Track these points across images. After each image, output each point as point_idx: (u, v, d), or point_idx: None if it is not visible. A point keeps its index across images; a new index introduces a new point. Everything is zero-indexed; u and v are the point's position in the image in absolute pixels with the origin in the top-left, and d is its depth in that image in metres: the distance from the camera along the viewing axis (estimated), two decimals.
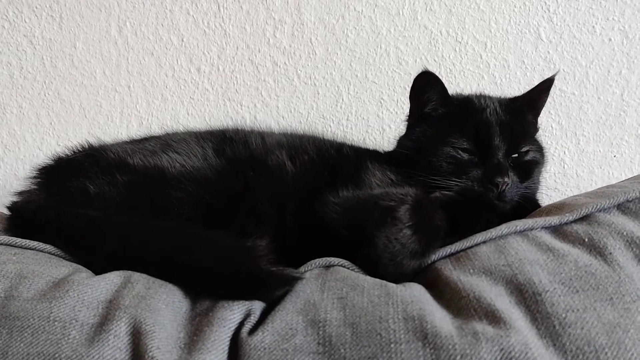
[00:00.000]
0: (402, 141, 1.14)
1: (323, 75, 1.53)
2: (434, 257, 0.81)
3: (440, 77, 1.06)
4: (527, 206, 1.01)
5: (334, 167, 1.06)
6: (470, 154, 1.02)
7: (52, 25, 1.56)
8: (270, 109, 1.55)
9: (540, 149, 1.09)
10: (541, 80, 1.11)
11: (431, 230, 0.82)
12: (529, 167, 1.06)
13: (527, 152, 1.06)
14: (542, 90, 1.12)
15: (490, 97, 1.12)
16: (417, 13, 1.49)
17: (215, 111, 1.56)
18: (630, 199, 0.80)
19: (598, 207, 0.80)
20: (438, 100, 1.08)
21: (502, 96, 1.15)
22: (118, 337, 0.64)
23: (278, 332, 0.66)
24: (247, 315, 0.70)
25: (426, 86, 1.08)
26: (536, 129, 1.14)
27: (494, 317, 0.63)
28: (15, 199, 0.97)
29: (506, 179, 0.98)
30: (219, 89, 1.56)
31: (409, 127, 1.14)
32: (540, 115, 1.16)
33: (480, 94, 1.14)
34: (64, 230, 0.85)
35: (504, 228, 0.81)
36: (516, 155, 1.04)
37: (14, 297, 0.69)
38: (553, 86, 1.12)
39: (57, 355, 0.62)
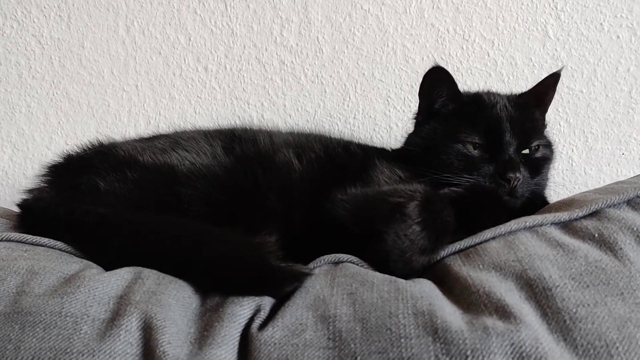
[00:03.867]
0: (411, 138, 1.14)
1: (330, 74, 1.53)
2: (443, 253, 0.81)
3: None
4: (537, 202, 1.01)
5: (342, 165, 1.07)
6: (481, 150, 1.02)
7: (60, 25, 1.57)
8: (277, 108, 1.55)
9: (549, 145, 1.09)
10: (546, 76, 1.11)
11: (440, 226, 0.82)
12: (539, 163, 1.06)
13: (537, 147, 1.06)
14: (548, 85, 1.11)
15: (498, 94, 1.12)
16: (424, 11, 1.49)
17: (223, 110, 1.57)
18: None
19: (608, 202, 0.80)
20: (448, 96, 1.08)
21: (509, 92, 1.15)
22: (129, 332, 0.64)
23: (288, 328, 0.66)
24: (257, 311, 0.70)
25: (437, 82, 1.08)
26: (544, 125, 1.14)
27: (504, 312, 0.63)
28: (25, 196, 0.98)
29: (518, 175, 0.98)
30: (226, 88, 1.56)
31: (417, 125, 1.14)
32: (548, 112, 1.16)
33: (488, 91, 1.14)
34: (74, 227, 0.85)
35: (513, 224, 0.81)
36: (527, 151, 1.04)
37: (25, 293, 0.69)
38: (561, 84, 1.11)
39: (68, 350, 0.62)
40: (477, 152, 1.02)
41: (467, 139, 1.03)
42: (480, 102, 1.09)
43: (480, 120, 1.04)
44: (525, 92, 1.12)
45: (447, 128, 1.07)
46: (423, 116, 1.13)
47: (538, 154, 1.06)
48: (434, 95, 1.09)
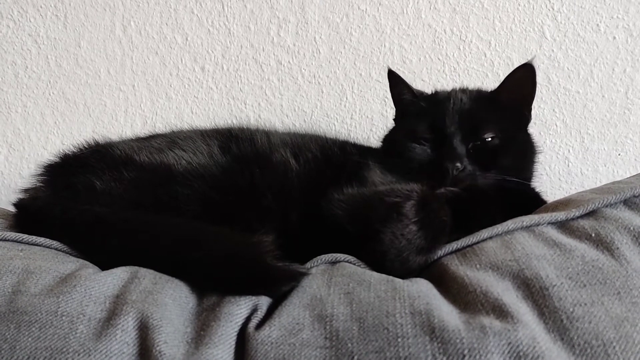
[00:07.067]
0: (384, 138, 1.18)
1: (327, 74, 1.53)
2: (440, 252, 0.81)
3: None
4: (533, 201, 1.01)
5: (338, 165, 1.07)
6: (429, 144, 1.05)
7: (56, 25, 1.57)
8: (274, 108, 1.55)
9: (515, 137, 1.07)
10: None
11: (437, 226, 0.82)
12: (493, 154, 1.03)
13: (492, 138, 1.03)
14: (519, 78, 1.07)
15: (463, 90, 1.13)
16: (421, 12, 1.49)
17: (220, 110, 1.57)
18: (637, 194, 0.80)
19: (604, 202, 0.80)
20: (407, 97, 1.13)
21: (478, 88, 1.17)
22: (125, 331, 0.64)
23: (285, 327, 0.66)
24: (254, 310, 0.70)
25: (392, 84, 1.16)
26: (523, 119, 1.12)
27: (501, 312, 0.63)
28: (21, 196, 0.97)
29: (457, 164, 0.98)
30: (223, 88, 1.56)
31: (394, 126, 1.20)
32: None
33: (453, 88, 1.16)
34: (70, 226, 0.85)
35: (510, 224, 0.81)
36: (478, 142, 1.03)
37: (21, 292, 0.69)
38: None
39: (64, 349, 0.62)
40: (427, 146, 1.05)
41: (418, 134, 1.06)
42: (435, 99, 1.12)
43: (429, 115, 1.07)
44: (497, 87, 1.10)
45: (405, 126, 1.12)
46: (396, 117, 1.19)
47: (492, 145, 1.03)
48: (395, 97, 1.17)
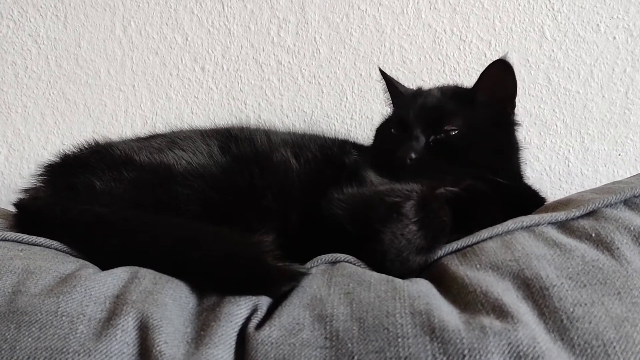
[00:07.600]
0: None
1: (327, 74, 1.54)
2: (440, 252, 0.81)
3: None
4: (531, 201, 1.01)
5: (338, 165, 1.07)
6: (395, 136, 1.08)
7: (56, 25, 1.57)
8: (274, 108, 1.55)
9: (488, 133, 1.06)
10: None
11: (437, 225, 0.82)
12: (456, 147, 1.02)
13: (456, 132, 1.02)
14: (493, 75, 1.05)
15: (441, 87, 1.15)
16: (421, 12, 1.50)
17: (220, 110, 1.57)
18: (637, 194, 0.80)
19: (605, 202, 0.80)
20: (394, 94, 1.18)
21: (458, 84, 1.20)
22: (126, 331, 0.64)
23: (285, 327, 0.66)
24: (254, 311, 0.70)
25: (384, 82, 1.20)
26: (503, 116, 1.09)
27: (501, 312, 0.63)
28: (21, 196, 0.97)
29: (412, 154, 0.99)
30: (223, 88, 1.56)
31: None
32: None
33: (439, 85, 1.18)
34: (70, 226, 0.85)
35: (510, 224, 0.81)
36: (440, 135, 1.03)
37: (21, 292, 0.68)
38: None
39: (64, 349, 0.62)
40: (394, 138, 1.07)
41: (389, 127, 1.10)
42: (414, 94, 1.14)
43: (402, 109, 1.10)
44: (474, 84, 1.09)
45: (388, 121, 1.16)
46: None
47: (455, 139, 1.02)
48: (388, 94, 1.21)
